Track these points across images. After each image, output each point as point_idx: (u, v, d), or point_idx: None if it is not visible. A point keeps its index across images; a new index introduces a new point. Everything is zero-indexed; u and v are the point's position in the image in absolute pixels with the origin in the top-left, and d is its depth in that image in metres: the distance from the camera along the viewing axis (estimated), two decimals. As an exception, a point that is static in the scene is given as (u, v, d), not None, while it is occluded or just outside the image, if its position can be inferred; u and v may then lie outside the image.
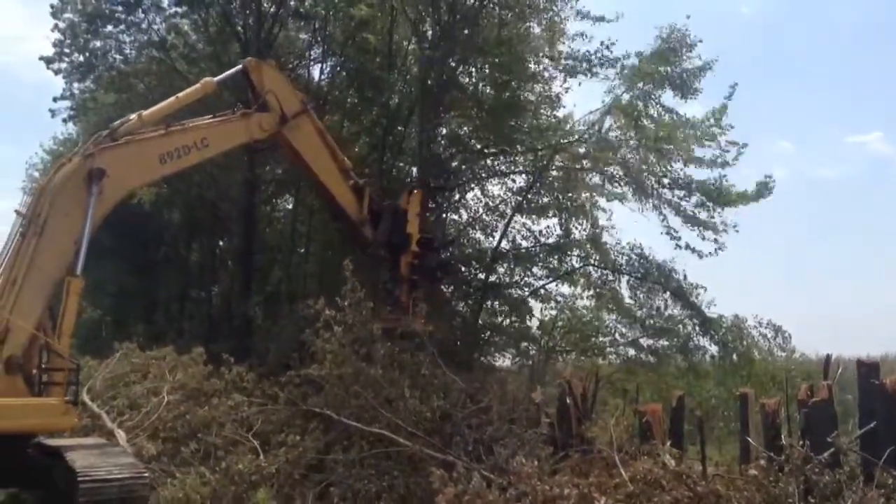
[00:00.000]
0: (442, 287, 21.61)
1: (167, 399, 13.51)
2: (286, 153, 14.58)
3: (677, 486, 9.19)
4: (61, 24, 24.64)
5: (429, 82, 20.89)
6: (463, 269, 22.92)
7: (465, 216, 23.65)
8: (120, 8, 24.00)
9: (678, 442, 12.15)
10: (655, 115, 20.76)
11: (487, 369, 20.35)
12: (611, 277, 21.66)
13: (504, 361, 23.00)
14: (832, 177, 68.76)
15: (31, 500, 9.96)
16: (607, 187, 21.08)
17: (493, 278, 22.56)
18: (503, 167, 23.06)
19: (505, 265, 22.89)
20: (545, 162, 21.08)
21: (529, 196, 22.24)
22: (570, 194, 21.50)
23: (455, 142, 22.99)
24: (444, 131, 23.31)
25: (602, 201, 21.67)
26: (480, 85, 22.15)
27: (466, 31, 20.67)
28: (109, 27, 24.53)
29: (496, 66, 20.88)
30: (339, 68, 24.72)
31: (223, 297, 29.16)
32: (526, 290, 22.78)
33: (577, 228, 22.06)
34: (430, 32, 21.54)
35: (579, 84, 21.35)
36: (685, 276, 20.62)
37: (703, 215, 20.27)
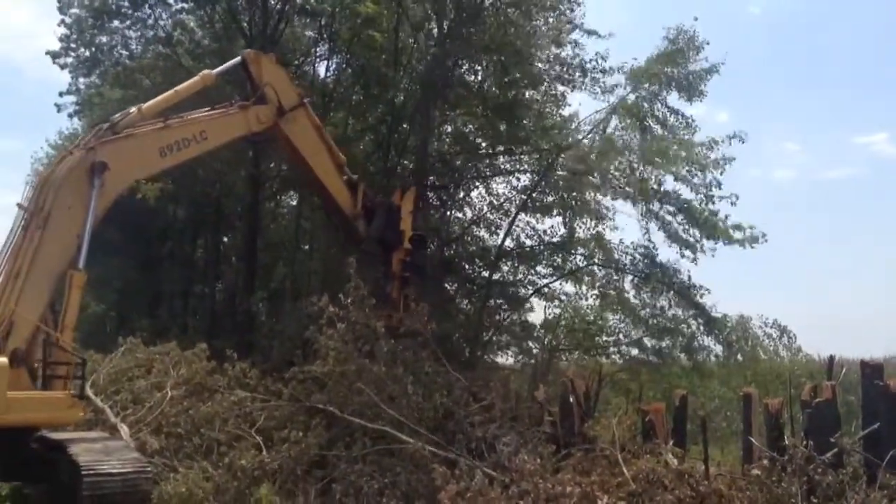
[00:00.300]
0: (445, 285, 21.66)
1: (170, 394, 13.49)
2: (283, 147, 14.60)
3: (680, 486, 9.21)
4: (68, 20, 24.72)
5: (433, 80, 20.90)
6: (467, 266, 22.96)
7: (469, 214, 23.73)
8: (126, 3, 23.97)
9: (681, 441, 12.18)
10: (661, 116, 20.83)
11: (490, 367, 20.37)
12: (615, 276, 21.67)
13: (507, 360, 23.07)
14: (838, 177, 68.64)
15: (35, 493, 9.96)
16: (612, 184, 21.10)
17: (496, 276, 22.57)
18: (508, 166, 23.12)
19: (509, 263, 22.92)
20: (550, 161, 21.07)
21: (534, 195, 22.25)
22: (574, 193, 21.49)
23: (460, 140, 23.00)
24: (450, 129, 23.35)
25: (606, 200, 21.70)
26: (486, 84, 22.16)
27: (472, 30, 20.67)
28: (116, 22, 24.51)
29: (501, 65, 20.88)
30: (344, 65, 24.68)
31: (227, 293, 29.21)
32: (530, 288, 22.83)
33: (581, 227, 22.10)
34: (435, 30, 21.55)
35: (571, 90, 21.78)
36: (690, 276, 20.64)
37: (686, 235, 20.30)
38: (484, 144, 23.03)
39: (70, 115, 29.02)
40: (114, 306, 34.14)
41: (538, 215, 22.51)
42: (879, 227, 59.44)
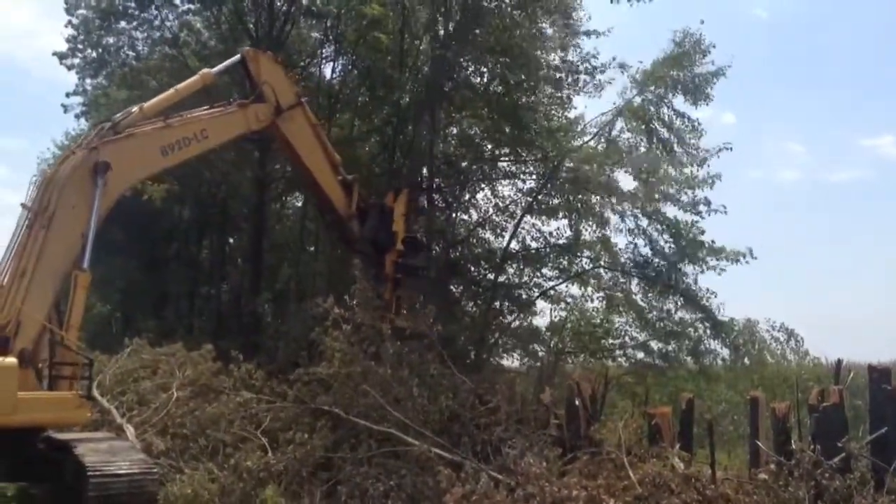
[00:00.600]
0: (451, 287, 21.64)
1: (176, 395, 13.50)
2: (281, 145, 14.64)
3: (686, 490, 9.17)
4: (75, 20, 24.81)
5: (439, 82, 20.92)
6: (472, 269, 22.94)
7: (475, 216, 23.68)
8: (133, 4, 24.10)
9: (687, 445, 12.13)
10: (667, 118, 20.82)
11: (496, 370, 20.34)
12: (621, 279, 21.64)
13: (513, 362, 23.03)
14: (843, 180, 68.35)
15: (40, 494, 9.97)
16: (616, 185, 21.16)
17: (502, 278, 22.54)
18: (513, 168, 23.09)
19: (515, 266, 22.90)
20: (556, 163, 21.05)
21: (540, 197, 22.21)
22: (580, 196, 21.46)
23: (465, 142, 22.99)
24: (455, 131, 23.34)
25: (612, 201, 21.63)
26: (491, 86, 22.16)
27: (477, 31, 20.68)
28: (122, 23, 24.65)
29: (507, 67, 20.88)
30: (350, 67, 24.71)
31: (233, 294, 29.21)
32: (536, 290, 22.80)
33: (587, 230, 22.08)
34: (441, 32, 21.56)
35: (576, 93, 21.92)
36: (696, 280, 20.61)
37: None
38: (489, 146, 23.02)
39: (77, 116, 29.23)
40: (119, 307, 34.24)
41: (544, 217, 22.53)
42: (879, 227, 59.12)
